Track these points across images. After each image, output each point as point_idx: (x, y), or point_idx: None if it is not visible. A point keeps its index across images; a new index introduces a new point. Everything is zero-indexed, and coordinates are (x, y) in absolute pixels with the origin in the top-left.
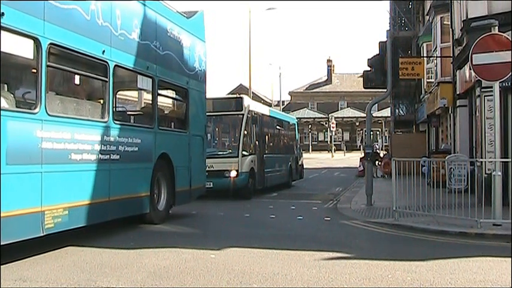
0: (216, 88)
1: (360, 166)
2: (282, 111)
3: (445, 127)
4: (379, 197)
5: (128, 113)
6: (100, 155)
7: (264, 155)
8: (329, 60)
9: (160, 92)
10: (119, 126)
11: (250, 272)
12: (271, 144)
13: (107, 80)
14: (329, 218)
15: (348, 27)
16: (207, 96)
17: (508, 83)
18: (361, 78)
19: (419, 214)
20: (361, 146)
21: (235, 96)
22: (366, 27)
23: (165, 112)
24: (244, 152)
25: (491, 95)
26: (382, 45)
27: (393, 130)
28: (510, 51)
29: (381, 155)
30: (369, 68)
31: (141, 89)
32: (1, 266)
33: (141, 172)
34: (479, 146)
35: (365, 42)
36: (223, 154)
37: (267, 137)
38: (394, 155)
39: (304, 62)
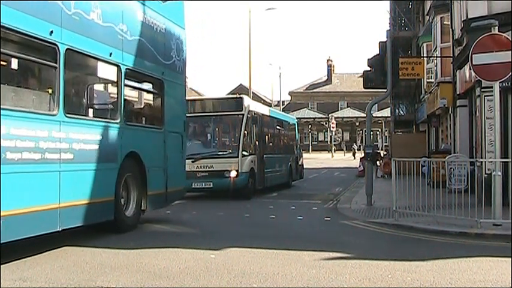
0: (216, 88)
1: (360, 166)
2: (282, 111)
3: (445, 127)
4: (379, 197)
5: (86, 105)
6: (46, 154)
7: (264, 155)
8: (329, 60)
9: (128, 82)
10: (72, 120)
11: (250, 272)
12: (271, 144)
13: (56, 65)
14: (329, 218)
15: (348, 27)
16: (207, 96)
17: (508, 83)
18: (361, 78)
19: (419, 214)
20: (354, 148)
21: (235, 96)
22: (366, 27)
23: (135, 106)
24: (244, 152)
25: (491, 95)
26: (382, 45)
27: (393, 130)
28: (510, 52)
29: (381, 154)
30: (369, 68)
31: (103, 79)
32: (1, 266)
33: (103, 174)
34: (479, 146)
35: (365, 42)
36: (223, 154)
37: (267, 137)
38: (394, 155)
39: (304, 62)
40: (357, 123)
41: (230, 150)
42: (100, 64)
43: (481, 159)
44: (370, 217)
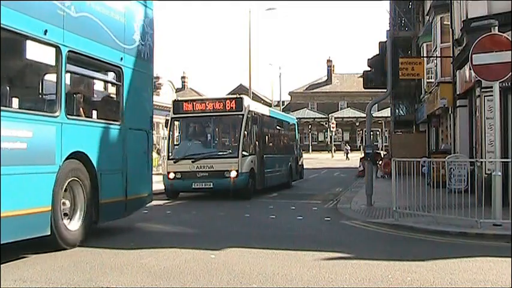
0: (216, 88)
1: (360, 166)
2: (282, 111)
3: (445, 127)
4: (379, 197)
5: (7, 94)
6: None
7: (264, 155)
8: (329, 61)
9: (71, 68)
10: None
11: (250, 272)
12: (271, 144)
13: None
14: (329, 218)
15: (347, 28)
16: (207, 96)
17: (508, 83)
18: (361, 79)
19: (419, 214)
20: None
21: (235, 96)
22: (366, 28)
23: (82, 96)
24: (244, 152)
25: (491, 95)
26: (382, 45)
27: (393, 130)
28: (510, 52)
29: (382, 155)
30: (369, 68)
31: (35, 62)
32: (1, 266)
33: (34, 179)
34: (479, 146)
35: (365, 42)
36: (223, 154)
37: (267, 137)
38: (394, 155)
39: (304, 62)
40: (357, 124)
41: (230, 151)
42: (30, 44)
43: (481, 159)
44: (370, 217)
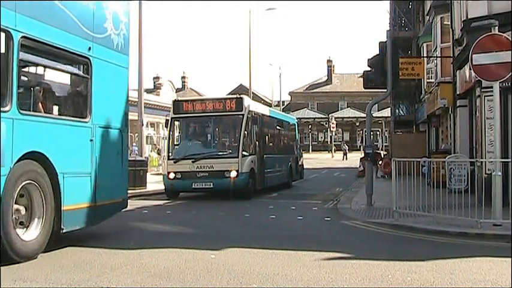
0: (216, 88)
1: (360, 166)
2: (282, 111)
3: (445, 127)
4: (379, 197)
5: None
6: None
7: (264, 155)
8: (329, 61)
9: (25, 56)
10: None
11: (250, 272)
12: (271, 144)
13: None
14: (329, 218)
15: (348, 28)
16: (207, 96)
17: (508, 83)
18: (361, 79)
19: (419, 214)
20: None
21: (235, 96)
22: (366, 28)
23: (41, 89)
24: (244, 153)
25: (492, 95)
26: (382, 45)
27: (393, 130)
28: (510, 52)
29: (382, 155)
30: (369, 68)
31: None
32: (1, 267)
33: None
34: (479, 146)
35: (365, 42)
36: (223, 154)
37: (267, 137)
38: (394, 155)
39: (304, 62)
40: (357, 124)
41: (230, 151)
42: None
43: (481, 160)
44: (370, 217)
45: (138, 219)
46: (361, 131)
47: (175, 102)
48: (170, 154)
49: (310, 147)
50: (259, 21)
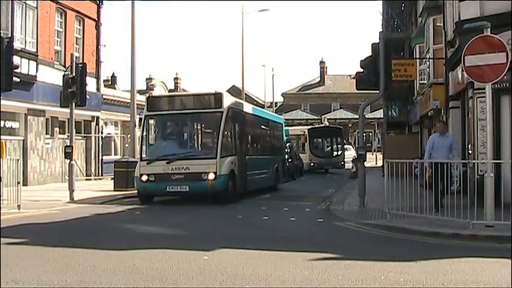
0: (209, 89)
1: (352, 168)
2: (275, 112)
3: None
4: (371, 199)
5: None
6: None
7: (247, 156)
8: (322, 62)
9: None
10: None
11: (243, 273)
12: (255, 144)
13: None
14: (322, 220)
15: (340, 29)
16: (183, 92)
17: (500, 85)
18: (354, 80)
19: (412, 215)
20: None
21: (213, 92)
22: (359, 29)
23: None
24: (223, 153)
25: (484, 97)
26: (374, 46)
27: (386, 131)
28: (502, 53)
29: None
30: (361, 70)
31: None
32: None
33: None
34: (471, 147)
35: (358, 43)
36: (200, 155)
37: (250, 137)
38: (387, 157)
39: (297, 63)
40: (350, 125)
41: (208, 151)
42: None
43: (473, 161)
44: (363, 218)
45: (130, 220)
46: (354, 132)
47: (149, 98)
48: (143, 155)
49: None
50: (252, 22)
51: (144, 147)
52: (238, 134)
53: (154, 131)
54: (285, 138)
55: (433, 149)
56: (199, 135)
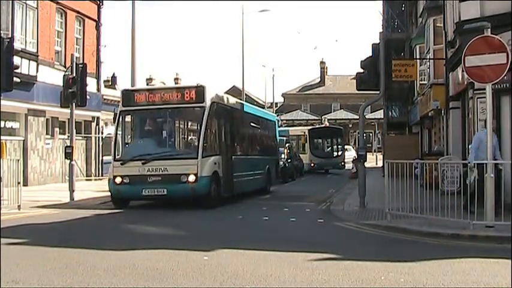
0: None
1: (352, 168)
2: (275, 112)
3: (438, 129)
4: (372, 199)
5: None
6: None
7: (233, 156)
8: (322, 62)
9: None
10: None
11: (243, 273)
12: (244, 144)
13: None
14: (322, 220)
15: (340, 29)
16: (162, 85)
17: (500, 85)
18: (354, 80)
19: (412, 216)
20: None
21: (194, 85)
22: (359, 29)
23: None
24: (205, 152)
25: (484, 97)
26: (375, 47)
27: (386, 132)
28: (502, 54)
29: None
30: (362, 70)
31: None
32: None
33: None
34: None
35: (358, 44)
36: (179, 155)
37: (237, 135)
38: (387, 157)
39: (297, 63)
40: (350, 125)
41: (189, 150)
42: None
43: (473, 161)
44: (363, 219)
45: (131, 220)
46: (354, 133)
47: (124, 92)
48: (117, 155)
49: None
50: (252, 22)
51: (119, 146)
52: (223, 131)
53: (130, 128)
54: (278, 137)
55: (478, 149)
56: (180, 132)
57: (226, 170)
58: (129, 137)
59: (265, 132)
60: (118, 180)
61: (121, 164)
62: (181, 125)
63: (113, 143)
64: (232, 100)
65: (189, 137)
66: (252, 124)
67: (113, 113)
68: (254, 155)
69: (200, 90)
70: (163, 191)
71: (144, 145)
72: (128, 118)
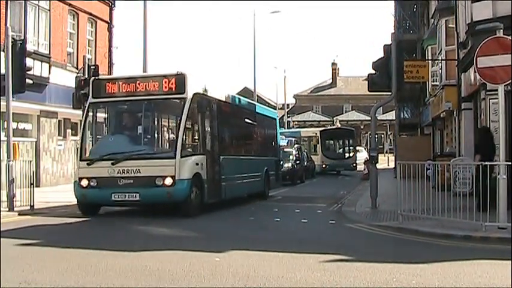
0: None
1: (364, 169)
2: (287, 114)
3: (450, 130)
4: (384, 200)
5: None
6: None
7: (222, 157)
8: (334, 63)
9: None
10: None
11: (254, 275)
12: (236, 142)
13: None
14: (334, 221)
15: (352, 30)
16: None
17: None
18: (366, 82)
19: (424, 217)
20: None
21: (174, 73)
22: (371, 30)
23: None
24: (185, 151)
25: (496, 98)
26: (386, 48)
27: (398, 133)
28: None
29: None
30: (373, 71)
31: None
32: (6, 269)
33: None
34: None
35: (370, 45)
36: (155, 154)
37: (228, 132)
38: (399, 158)
39: (309, 65)
40: (362, 127)
41: (165, 149)
42: None
43: (486, 163)
44: (375, 220)
45: (142, 221)
46: (366, 134)
47: (95, 81)
48: (84, 153)
49: None
50: (264, 24)
51: (86, 144)
52: (209, 128)
53: (100, 123)
54: (279, 136)
55: None
56: (157, 128)
57: (212, 172)
58: (98, 133)
59: (263, 130)
60: (84, 183)
61: (87, 164)
62: (158, 120)
63: (79, 140)
64: (220, 91)
65: (167, 134)
66: (247, 121)
67: None
68: (249, 156)
69: (180, 79)
70: (136, 196)
71: (115, 142)
72: (99, 111)
